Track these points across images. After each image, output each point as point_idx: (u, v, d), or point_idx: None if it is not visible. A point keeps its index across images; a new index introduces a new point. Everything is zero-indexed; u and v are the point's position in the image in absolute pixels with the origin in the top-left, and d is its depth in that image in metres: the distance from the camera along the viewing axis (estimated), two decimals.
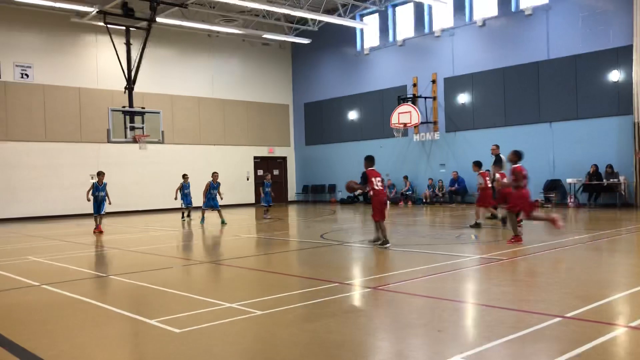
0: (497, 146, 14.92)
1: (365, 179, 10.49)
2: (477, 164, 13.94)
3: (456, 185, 22.59)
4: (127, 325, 5.42)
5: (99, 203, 15.41)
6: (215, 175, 17.35)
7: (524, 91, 21.06)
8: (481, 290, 6.55)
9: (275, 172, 29.79)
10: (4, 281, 8.02)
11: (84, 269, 9.14)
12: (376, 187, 10.21)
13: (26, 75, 22.01)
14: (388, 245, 10.09)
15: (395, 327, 4.95)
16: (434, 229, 14.18)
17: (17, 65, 21.82)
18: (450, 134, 23.50)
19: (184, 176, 19.24)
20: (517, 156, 10.44)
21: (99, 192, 15.38)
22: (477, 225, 13.20)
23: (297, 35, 27.30)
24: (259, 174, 28.92)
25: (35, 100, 22.13)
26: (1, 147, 21.31)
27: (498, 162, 14.12)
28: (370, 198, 10.44)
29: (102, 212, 15.49)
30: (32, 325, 5.42)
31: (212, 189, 17.20)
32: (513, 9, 21.49)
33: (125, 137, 18.30)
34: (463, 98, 22.95)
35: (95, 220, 15.46)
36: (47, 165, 22.15)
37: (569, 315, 5.01)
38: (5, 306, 6.41)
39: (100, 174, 15.68)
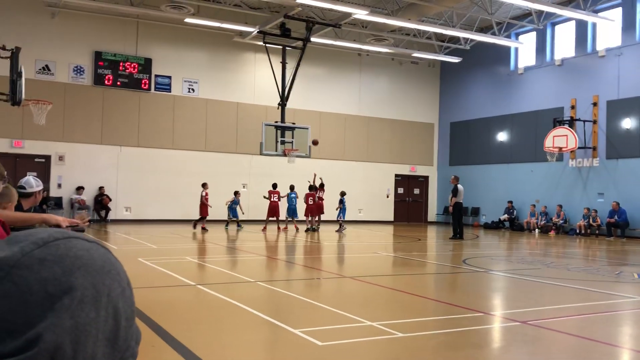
0: (457, 178, 18.55)
1: None
2: (315, 187, 19.90)
3: (616, 217, 20.69)
4: (273, 331, 5.65)
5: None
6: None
7: None
8: None
9: (416, 191, 29.49)
10: (165, 278, 8.78)
11: (233, 272, 9.71)
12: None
13: (192, 89, 24.08)
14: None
15: None
16: (589, 264, 13.10)
17: (185, 81, 23.96)
18: (612, 161, 21.63)
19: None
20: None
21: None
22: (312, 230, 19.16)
23: (447, 54, 26.93)
24: (399, 192, 28.81)
25: (199, 113, 24.10)
26: (168, 154, 23.46)
27: (454, 191, 17.87)
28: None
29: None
30: (188, 323, 5.86)
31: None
32: None
33: (276, 150, 19.26)
34: (628, 123, 21.03)
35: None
36: (205, 173, 23.92)
37: None
38: (166, 302, 7.01)
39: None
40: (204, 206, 18.87)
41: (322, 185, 20.26)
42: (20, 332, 0.58)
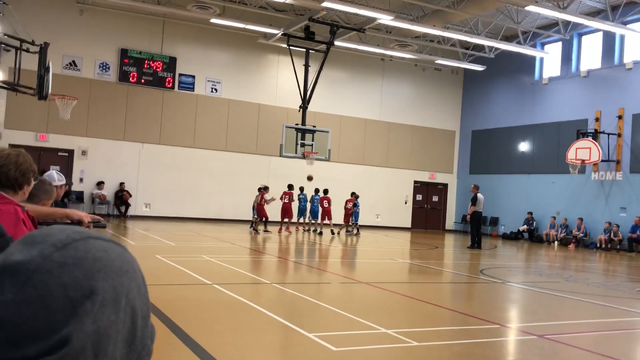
0: (477, 187, 18.47)
1: None
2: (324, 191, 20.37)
3: (638, 232, 20.33)
4: (287, 335, 5.66)
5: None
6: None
7: None
8: None
9: (435, 198, 29.31)
10: (182, 277, 8.84)
11: (250, 273, 9.74)
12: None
13: (215, 89, 24.25)
14: None
15: None
16: (609, 279, 12.90)
17: (208, 81, 24.13)
18: (636, 175, 21.27)
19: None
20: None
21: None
22: (320, 234, 19.57)
23: (471, 62, 26.75)
24: (417, 198, 28.65)
25: (221, 113, 24.25)
26: (189, 152, 23.64)
27: (474, 200, 17.90)
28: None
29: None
30: (204, 323, 5.89)
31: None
32: None
33: (296, 153, 19.31)
34: None
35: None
36: (224, 172, 24.09)
37: None
38: (182, 300, 7.05)
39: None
40: (261, 208, 18.90)
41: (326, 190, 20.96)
42: (43, 337, 0.59)
